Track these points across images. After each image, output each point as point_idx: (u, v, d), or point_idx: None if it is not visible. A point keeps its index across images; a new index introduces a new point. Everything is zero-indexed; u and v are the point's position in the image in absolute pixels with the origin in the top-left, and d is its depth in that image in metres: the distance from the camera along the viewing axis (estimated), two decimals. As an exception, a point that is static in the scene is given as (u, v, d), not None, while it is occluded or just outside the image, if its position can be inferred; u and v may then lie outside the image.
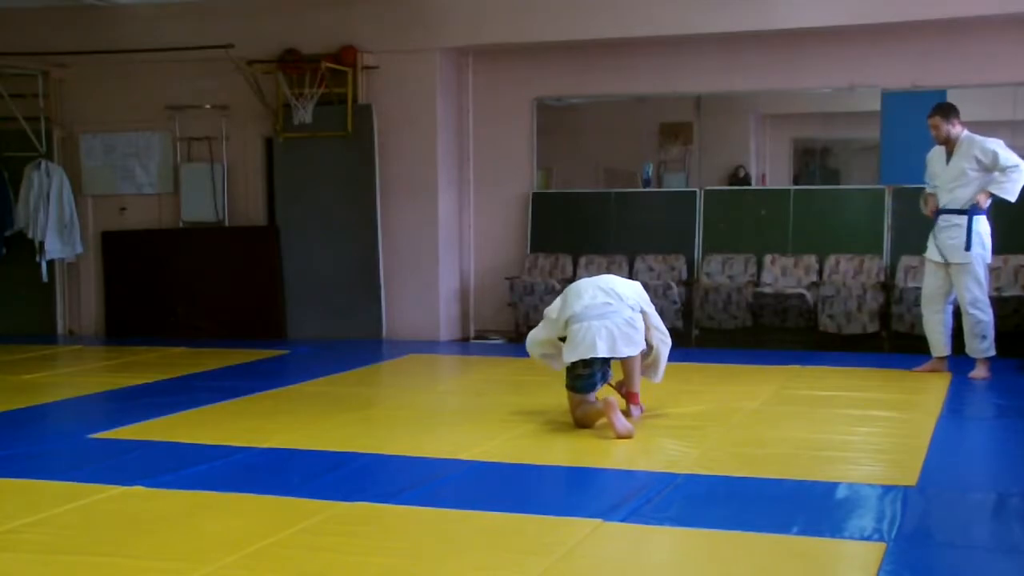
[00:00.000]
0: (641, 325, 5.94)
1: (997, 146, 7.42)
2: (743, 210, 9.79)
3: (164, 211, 10.85)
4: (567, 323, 5.95)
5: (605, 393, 6.00)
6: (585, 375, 5.86)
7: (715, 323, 9.30)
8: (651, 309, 6.12)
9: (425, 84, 10.04)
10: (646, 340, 6.06)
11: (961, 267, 7.49)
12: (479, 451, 5.39)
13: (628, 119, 10.57)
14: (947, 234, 7.53)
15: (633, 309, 5.92)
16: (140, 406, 6.80)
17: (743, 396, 6.83)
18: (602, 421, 5.76)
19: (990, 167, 7.39)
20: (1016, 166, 7.37)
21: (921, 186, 7.90)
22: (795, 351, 8.86)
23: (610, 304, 5.88)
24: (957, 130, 7.51)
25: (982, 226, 7.50)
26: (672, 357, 6.25)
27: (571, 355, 5.87)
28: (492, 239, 10.46)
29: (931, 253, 7.66)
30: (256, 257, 10.41)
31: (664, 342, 6.15)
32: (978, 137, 7.51)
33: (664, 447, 5.46)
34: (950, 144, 7.54)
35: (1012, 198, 7.45)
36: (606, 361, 5.88)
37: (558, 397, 6.18)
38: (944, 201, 7.55)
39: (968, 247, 7.44)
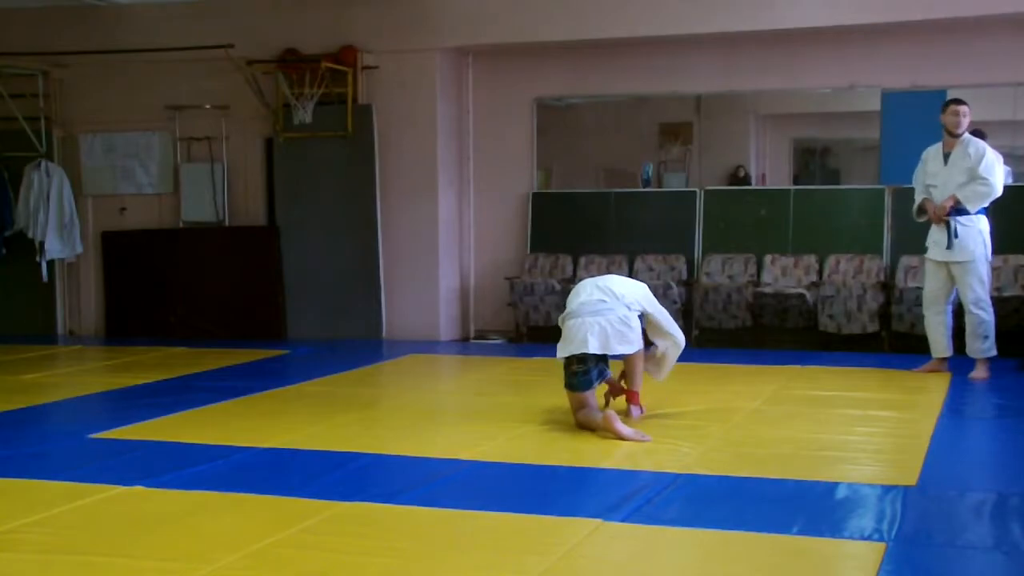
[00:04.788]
0: (636, 324, 5.91)
1: (988, 154, 7.36)
2: (743, 210, 9.79)
3: (164, 211, 10.85)
4: (563, 320, 5.97)
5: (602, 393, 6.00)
6: (580, 372, 5.84)
7: (715, 323, 9.31)
8: (657, 310, 6.09)
9: (425, 84, 10.04)
10: (655, 341, 6.06)
11: (964, 266, 7.47)
12: (479, 451, 5.40)
13: (628, 119, 10.57)
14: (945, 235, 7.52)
15: (630, 308, 5.90)
16: (140, 406, 6.80)
17: (743, 396, 6.83)
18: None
19: (972, 167, 7.37)
20: (987, 180, 7.33)
21: (921, 186, 7.89)
22: (795, 351, 8.86)
23: (605, 302, 5.87)
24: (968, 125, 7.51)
25: (983, 224, 7.49)
26: (673, 357, 6.24)
27: (563, 351, 5.88)
28: (492, 239, 10.46)
29: (931, 253, 7.65)
30: (256, 257, 10.41)
31: (676, 344, 6.16)
32: (975, 139, 7.49)
33: (664, 447, 5.44)
34: (952, 142, 7.51)
35: (971, 208, 7.42)
36: (602, 359, 5.87)
37: (558, 397, 6.17)
38: (941, 200, 7.51)
39: (948, 245, 7.42)
